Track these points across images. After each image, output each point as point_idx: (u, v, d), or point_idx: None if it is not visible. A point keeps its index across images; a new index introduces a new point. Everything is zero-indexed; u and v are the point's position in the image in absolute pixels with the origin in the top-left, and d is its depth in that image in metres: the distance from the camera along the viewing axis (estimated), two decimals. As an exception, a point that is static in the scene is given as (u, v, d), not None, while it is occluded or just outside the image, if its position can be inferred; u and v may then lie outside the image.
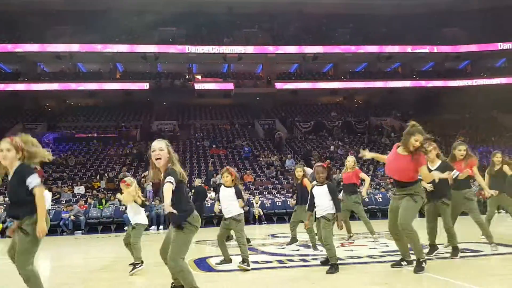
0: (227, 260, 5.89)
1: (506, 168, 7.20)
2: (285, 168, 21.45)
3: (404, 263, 5.03)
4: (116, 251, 9.20)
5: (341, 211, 5.61)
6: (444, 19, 29.96)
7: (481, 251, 6.16)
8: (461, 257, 5.65)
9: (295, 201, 7.79)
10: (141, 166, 21.30)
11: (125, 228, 13.96)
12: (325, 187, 5.37)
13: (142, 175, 17.61)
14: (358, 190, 8.36)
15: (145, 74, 31.13)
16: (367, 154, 5.36)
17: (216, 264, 5.93)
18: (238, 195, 5.81)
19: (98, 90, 29.71)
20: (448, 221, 5.71)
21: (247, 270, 5.32)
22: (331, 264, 5.06)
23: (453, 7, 29.05)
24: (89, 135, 26.71)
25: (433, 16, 29.34)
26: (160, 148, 3.64)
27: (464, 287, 4.03)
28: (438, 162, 5.89)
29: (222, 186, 5.98)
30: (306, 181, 7.24)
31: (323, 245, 5.50)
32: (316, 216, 5.46)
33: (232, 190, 5.82)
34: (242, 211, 5.87)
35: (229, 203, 5.80)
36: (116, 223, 14.82)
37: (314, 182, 5.60)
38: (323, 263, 5.49)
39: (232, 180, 5.87)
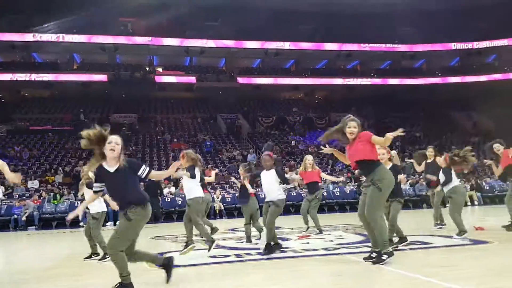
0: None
1: (439, 159, 7.72)
2: (247, 162, 21.54)
3: (373, 254, 5.00)
4: (72, 247, 9.01)
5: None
6: (402, 18, 30.85)
7: (431, 243, 6.45)
8: (412, 248, 5.91)
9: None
10: (99, 160, 20.77)
11: (80, 224, 13.67)
12: (272, 171, 5.81)
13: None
14: (321, 187, 8.61)
15: (103, 65, 30.29)
16: (326, 150, 5.48)
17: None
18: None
19: (54, 81, 28.69)
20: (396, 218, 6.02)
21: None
22: (268, 245, 5.58)
23: (410, 7, 29.97)
24: (44, 127, 25.77)
25: (391, 15, 30.15)
26: (116, 142, 3.92)
27: (416, 278, 4.23)
28: (389, 165, 6.12)
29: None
30: (246, 183, 7.22)
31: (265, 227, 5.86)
32: (267, 200, 5.85)
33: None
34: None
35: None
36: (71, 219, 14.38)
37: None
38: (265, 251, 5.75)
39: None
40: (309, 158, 8.38)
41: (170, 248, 7.34)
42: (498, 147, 7.71)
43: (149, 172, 4.06)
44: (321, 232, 8.13)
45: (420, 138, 27.43)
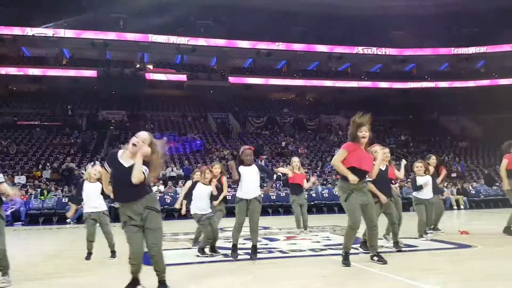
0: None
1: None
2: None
3: (375, 258, 5.13)
4: (59, 244, 8.95)
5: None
6: (393, 22, 31.12)
7: (416, 246, 6.55)
8: (398, 251, 5.99)
9: None
10: (86, 157, 20.67)
11: (67, 220, 13.55)
12: (254, 166, 5.59)
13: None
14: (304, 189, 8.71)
15: (93, 61, 30.04)
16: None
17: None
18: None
19: (43, 76, 28.40)
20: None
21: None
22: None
23: (402, 12, 30.24)
24: (32, 122, 25.47)
25: (383, 19, 30.38)
26: (143, 139, 3.87)
27: (399, 281, 4.30)
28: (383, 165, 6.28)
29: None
30: (224, 179, 7.09)
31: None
32: (247, 198, 5.53)
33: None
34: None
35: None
36: (58, 215, 14.28)
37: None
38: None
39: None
40: (295, 160, 8.47)
41: (166, 246, 7.33)
42: None
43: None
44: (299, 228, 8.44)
45: (408, 141, 27.70)
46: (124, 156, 3.90)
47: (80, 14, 27.66)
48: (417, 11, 29.74)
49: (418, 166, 7.32)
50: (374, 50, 32.55)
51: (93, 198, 6.04)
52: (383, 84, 33.23)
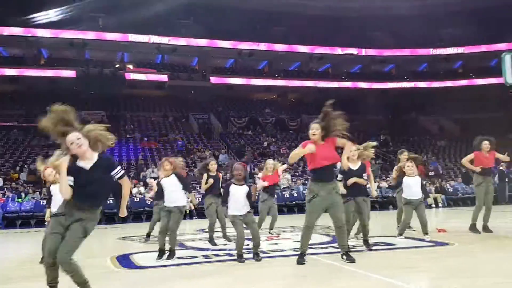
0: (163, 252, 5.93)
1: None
2: (218, 163, 21.50)
3: (344, 257, 5.19)
4: (37, 247, 8.79)
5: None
6: (373, 23, 31.50)
7: (395, 244, 6.65)
8: (376, 249, 6.08)
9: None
10: (66, 158, 20.32)
11: (45, 223, 13.30)
12: (245, 188, 5.58)
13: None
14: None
15: (72, 61, 29.56)
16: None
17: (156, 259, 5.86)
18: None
19: (20, 77, 27.82)
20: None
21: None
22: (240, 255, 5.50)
23: (382, 13, 30.65)
24: (9, 124, 24.95)
25: (363, 20, 30.73)
26: (77, 137, 3.58)
27: (378, 279, 4.36)
28: (358, 164, 6.36)
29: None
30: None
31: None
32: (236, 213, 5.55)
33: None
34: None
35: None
36: (36, 218, 14.02)
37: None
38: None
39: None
40: (269, 162, 8.52)
41: (139, 249, 7.28)
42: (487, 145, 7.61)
43: (123, 175, 3.78)
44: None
45: (387, 141, 28.08)
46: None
47: (58, 13, 27.20)
48: (397, 12, 30.13)
49: (409, 165, 7.22)
50: (354, 51, 32.87)
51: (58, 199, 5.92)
52: (363, 85, 33.59)
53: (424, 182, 7.77)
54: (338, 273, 4.74)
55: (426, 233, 6.98)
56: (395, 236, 7.15)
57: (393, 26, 31.26)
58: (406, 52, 33.50)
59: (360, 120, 30.19)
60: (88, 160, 3.63)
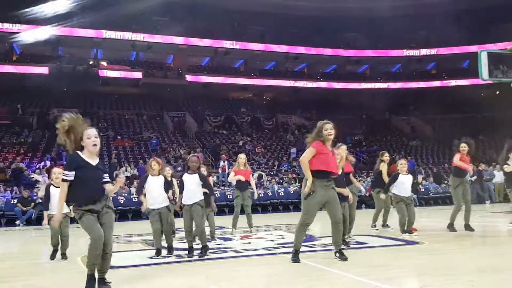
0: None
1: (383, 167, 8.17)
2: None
3: (337, 254, 5.25)
4: (7, 246, 8.59)
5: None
6: (348, 24, 31.88)
7: (366, 243, 6.77)
8: (351, 248, 6.18)
9: None
10: (37, 156, 19.86)
11: (16, 222, 13.01)
12: (196, 175, 5.81)
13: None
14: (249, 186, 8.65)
15: (44, 57, 28.84)
16: None
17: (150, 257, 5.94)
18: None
19: (-9, 72, 26.99)
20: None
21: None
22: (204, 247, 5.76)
23: (357, 13, 31.07)
24: (-20, 121, 24.18)
25: (339, 20, 31.06)
26: (95, 135, 3.91)
27: (350, 278, 4.44)
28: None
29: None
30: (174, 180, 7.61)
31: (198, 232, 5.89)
32: (187, 203, 5.77)
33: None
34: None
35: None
36: (6, 217, 13.67)
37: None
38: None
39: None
40: (241, 157, 8.58)
41: (119, 248, 7.18)
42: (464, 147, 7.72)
43: (109, 181, 4.10)
44: (251, 227, 8.56)
45: (360, 141, 28.51)
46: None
47: (31, 8, 26.46)
48: (373, 13, 30.59)
49: (403, 163, 7.56)
50: (329, 51, 33.22)
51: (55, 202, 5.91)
52: (337, 85, 33.98)
53: (415, 181, 8.07)
54: (307, 272, 4.80)
55: (409, 232, 7.33)
56: (371, 235, 7.33)
57: (368, 27, 31.75)
58: (380, 53, 34.04)
59: (334, 120, 30.42)
60: (93, 160, 3.97)
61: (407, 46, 33.93)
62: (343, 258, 5.15)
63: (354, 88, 34.08)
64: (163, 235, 6.04)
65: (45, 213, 6.15)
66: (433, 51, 33.73)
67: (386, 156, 8.49)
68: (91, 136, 3.87)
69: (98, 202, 3.92)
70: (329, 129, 5.14)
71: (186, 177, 5.85)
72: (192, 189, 5.75)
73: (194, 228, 5.97)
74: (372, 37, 33.10)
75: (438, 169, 23.19)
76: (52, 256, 6.13)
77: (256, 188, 5.76)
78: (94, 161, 3.96)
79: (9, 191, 15.33)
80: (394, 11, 30.19)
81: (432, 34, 33.57)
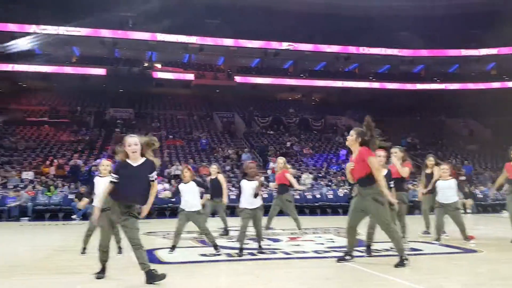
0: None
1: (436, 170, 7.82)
2: (241, 161, 21.55)
3: (348, 257, 5.26)
4: (64, 239, 9.01)
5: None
6: (402, 23, 30.93)
7: (422, 249, 6.50)
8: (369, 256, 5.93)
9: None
10: (94, 154, 20.77)
11: (73, 216, 13.63)
12: (255, 182, 6.04)
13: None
14: (289, 189, 8.58)
15: (102, 59, 30.20)
16: None
17: (168, 252, 6.17)
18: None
19: (52, 74, 28.58)
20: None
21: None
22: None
23: (411, 12, 30.10)
24: (41, 119, 25.67)
25: (392, 19, 30.19)
26: (135, 143, 4.39)
27: (402, 284, 4.27)
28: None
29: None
30: (220, 177, 8.35)
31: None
32: (248, 207, 6.03)
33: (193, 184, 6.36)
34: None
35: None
36: (64, 211, 14.41)
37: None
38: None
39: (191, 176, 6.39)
40: (280, 161, 8.56)
41: (163, 244, 7.36)
42: None
43: (155, 179, 4.56)
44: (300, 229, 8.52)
45: (415, 144, 27.51)
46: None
47: (89, 12, 27.76)
48: (427, 12, 29.56)
49: (444, 168, 7.30)
50: (381, 51, 32.37)
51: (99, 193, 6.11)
52: (390, 85, 33.05)
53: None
54: (360, 277, 4.66)
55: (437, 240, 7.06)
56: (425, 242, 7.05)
57: (423, 26, 30.65)
58: (436, 52, 32.77)
59: (387, 122, 29.70)
60: (137, 160, 4.44)
61: (464, 45, 32.44)
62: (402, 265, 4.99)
63: (409, 89, 32.99)
64: (205, 236, 6.35)
65: (85, 200, 6.39)
66: (493, 51, 32.02)
67: (430, 161, 8.16)
68: (131, 144, 4.37)
69: (135, 198, 4.43)
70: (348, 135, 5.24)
71: (244, 183, 6.10)
72: (251, 194, 5.99)
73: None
74: (425, 36, 31.89)
75: (498, 174, 21.95)
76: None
77: (256, 196, 6.05)
78: (136, 162, 4.43)
79: (67, 186, 16.12)
80: (448, 9, 28.99)
81: (491, 33, 31.83)
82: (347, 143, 5.24)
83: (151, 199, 4.53)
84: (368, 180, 5.03)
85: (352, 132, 5.19)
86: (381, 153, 6.07)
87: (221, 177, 8.39)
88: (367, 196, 5.05)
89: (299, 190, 15.08)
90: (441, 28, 30.21)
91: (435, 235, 7.23)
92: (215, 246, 6.17)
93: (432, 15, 29.32)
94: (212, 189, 7.89)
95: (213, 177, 8.46)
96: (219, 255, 6.00)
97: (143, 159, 4.45)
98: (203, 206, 6.78)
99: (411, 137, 28.12)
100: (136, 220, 4.43)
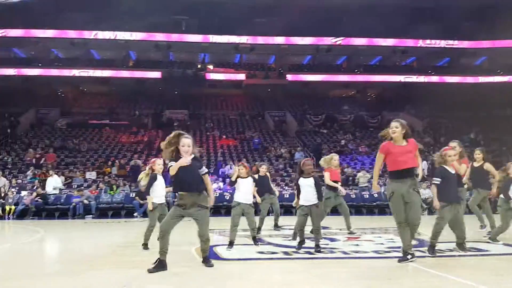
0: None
1: (487, 165, 7.38)
2: (294, 160, 21.42)
3: (409, 256, 5.07)
4: (126, 236, 9.35)
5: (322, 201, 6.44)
6: (463, 13, 29.35)
7: (488, 250, 6.13)
8: (467, 255, 5.64)
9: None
10: (152, 154, 21.45)
11: (134, 214, 14.16)
12: (311, 179, 6.16)
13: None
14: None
15: (157, 62, 31.16)
16: None
17: (226, 249, 6.30)
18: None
19: (111, 78, 29.86)
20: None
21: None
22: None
23: (473, 1, 28.46)
24: (102, 121, 26.90)
25: (452, 9, 28.69)
26: (189, 144, 4.78)
27: (467, 285, 4.03)
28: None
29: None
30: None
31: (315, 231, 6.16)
32: (305, 204, 6.11)
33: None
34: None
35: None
36: (126, 209, 15.00)
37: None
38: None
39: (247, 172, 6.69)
40: (335, 158, 8.45)
41: (220, 241, 7.44)
42: None
43: (206, 173, 4.98)
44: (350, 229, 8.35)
45: (478, 140, 26.03)
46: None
47: (143, 16, 28.68)
48: (489, 0, 27.83)
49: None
50: (441, 43, 30.87)
51: (159, 189, 6.58)
52: (450, 79, 31.49)
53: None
54: (424, 277, 4.44)
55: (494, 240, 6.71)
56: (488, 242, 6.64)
57: (486, 15, 28.89)
58: (501, 43, 30.78)
59: (448, 117, 28.38)
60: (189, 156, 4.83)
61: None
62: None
63: (470, 82, 31.27)
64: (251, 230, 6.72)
65: (150, 198, 6.55)
66: None
67: (477, 154, 7.84)
68: (184, 145, 4.78)
69: (192, 189, 4.83)
70: (394, 127, 5.18)
71: (302, 181, 6.22)
72: (309, 191, 6.11)
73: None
74: (490, 26, 30.03)
75: None
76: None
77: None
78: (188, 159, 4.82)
79: (128, 185, 16.77)
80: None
81: None
82: (395, 135, 5.18)
83: (210, 190, 5.02)
84: (414, 171, 5.21)
85: (396, 124, 5.21)
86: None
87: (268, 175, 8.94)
88: (413, 187, 5.10)
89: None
90: (507, 18, 28.30)
91: (493, 235, 6.87)
92: (254, 238, 6.67)
93: (495, 3, 27.50)
94: (262, 186, 8.12)
95: (262, 174, 8.64)
96: (276, 253, 5.98)
97: (192, 156, 4.82)
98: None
99: (475, 132, 26.64)
100: (207, 212, 4.89)
